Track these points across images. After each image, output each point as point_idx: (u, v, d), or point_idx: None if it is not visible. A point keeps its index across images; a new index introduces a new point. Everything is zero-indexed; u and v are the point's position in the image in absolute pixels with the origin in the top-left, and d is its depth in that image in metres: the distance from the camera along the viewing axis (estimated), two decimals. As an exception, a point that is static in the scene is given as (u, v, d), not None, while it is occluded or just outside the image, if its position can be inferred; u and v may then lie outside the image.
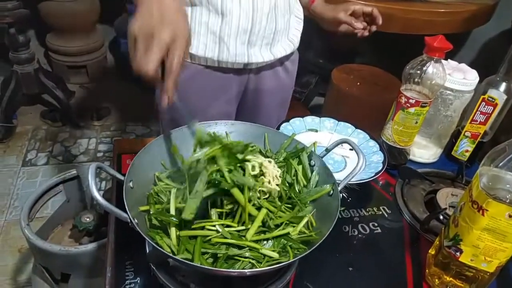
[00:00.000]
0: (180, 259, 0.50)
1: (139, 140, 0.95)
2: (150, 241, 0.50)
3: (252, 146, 0.64)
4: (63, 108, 2.34)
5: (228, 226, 0.56)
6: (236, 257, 0.54)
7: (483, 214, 0.54)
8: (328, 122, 0.95)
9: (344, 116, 0.96)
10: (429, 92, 0.81)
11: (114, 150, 0.89)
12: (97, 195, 0.50)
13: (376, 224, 0.77)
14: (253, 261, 0.54)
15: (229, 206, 0.56)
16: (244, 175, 0.56)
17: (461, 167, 0.89)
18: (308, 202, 0.62)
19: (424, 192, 0.85)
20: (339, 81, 1.79)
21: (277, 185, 0.59)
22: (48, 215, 1.40)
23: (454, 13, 1.71)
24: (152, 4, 0.55)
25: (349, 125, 0.94)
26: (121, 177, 0.58)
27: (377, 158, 0.84)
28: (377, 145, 0.87)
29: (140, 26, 0.54)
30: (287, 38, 0.97)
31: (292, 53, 1.02)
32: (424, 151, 0.94)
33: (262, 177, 0.58)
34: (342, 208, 0.79)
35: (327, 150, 0.68)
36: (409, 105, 0.81)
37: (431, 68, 0.78)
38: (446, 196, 0.80)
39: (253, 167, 0.57)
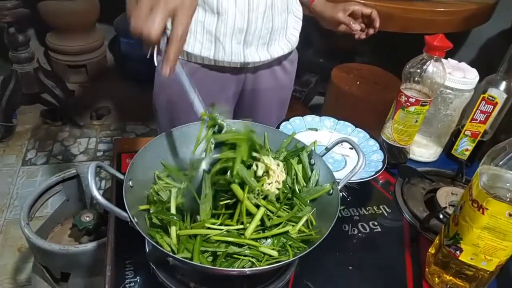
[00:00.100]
0: (180, 258, 0.50)
1: (139, 139, 0.95)
2: (150, 240, 0.50)
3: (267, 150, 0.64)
4: (63, 108, 2.34)
5: (227, 225, 0.56)
6: (235, 256, 0.54)
7: (483, 213, 0.54)
8: (328, 121, 0.94)
9: (344, 115, 0.96)
10: (429, 91, 0.81)
11: (114, 149, 0.89)
12: (97, 194, 0.50)
13: (376, 223, 0.77)
14: (253, 260, 0.54)
15: (225, 202, 0.56)
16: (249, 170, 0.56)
17: (461, 166, 0.89)
18: (308, 201, 0.62)
19: (424, 191, 0.85)
20: (339, 80, 1.79)
21: (277, 189, 0.59)
22: (47, 214, 1.40)
23: (454, 12, 1.71)
24: None
25: (349, 124, 0.94)
26: (121, 176, 0.58)
27: (377, 157, 0.84)
28: (377, 144, 0.87)
29: None
30: (285, 38, 0.97)
31: (290, 53, 1.02)
32: (424, 150, 0.94)
33: (265, 177, 0.58)
34: (342, 207, 0.79)
35: (327, 149, 0.68)
36: (409, 104, 0.81)
37: (431, 67, 0.78)
38: (446, 195, 0.80)
39: (260, 168, 0.57)
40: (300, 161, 0.66)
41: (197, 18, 0.85)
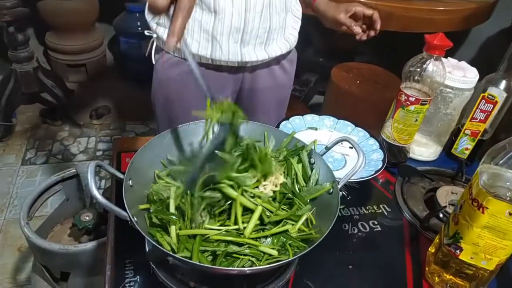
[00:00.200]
0: (180, 257, 0.50)
1: (138, 138, 0.94)
2: (150, 240, 0.50)
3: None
4: (62, 107, 2.34)
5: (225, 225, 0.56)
6: (235, 255, 0.54)
7: (483, 212, 0.54)
8: (328, 120, 0.94)
9: (344, 114, 0.96)
10: (429, 90, 0.81)
11: (114, 149, 0.89)
12: (97, 194, 0.50)
13: (376, 222, 0.77)
14: (253, 259, 0.54)
15: (221, 209, 0.57)
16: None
17: (461, 165, 0.89)
18: (308, 200, 0.62)
19: (424, 190, 0.85)
20: (338, 80, 1.79)
21: (273, 191, 0.59)
22: (47, 214, 1.40)
23: (454, 11, 1.71)
24: None
25: (349, 123, 0.94)
26: (121, 176, 0.58)
27: (377, 156, 0.84)
28: (377, 143, 0.87)
29: None
30: (283, 37, 0.96)
31: (289, 52, 1.01)
32: (424, 149, 0.94)
33: (261, 179, 0.58)
34: (342, 206, 0.79)
35: (327, 148, 0.68)
36: (409, 103, 0.81)
37: (431, 66, 0.78)
38: (446, 194, 0.80)
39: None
40: (300, 160, 0.66)
41: (194, 16, 0.85)
